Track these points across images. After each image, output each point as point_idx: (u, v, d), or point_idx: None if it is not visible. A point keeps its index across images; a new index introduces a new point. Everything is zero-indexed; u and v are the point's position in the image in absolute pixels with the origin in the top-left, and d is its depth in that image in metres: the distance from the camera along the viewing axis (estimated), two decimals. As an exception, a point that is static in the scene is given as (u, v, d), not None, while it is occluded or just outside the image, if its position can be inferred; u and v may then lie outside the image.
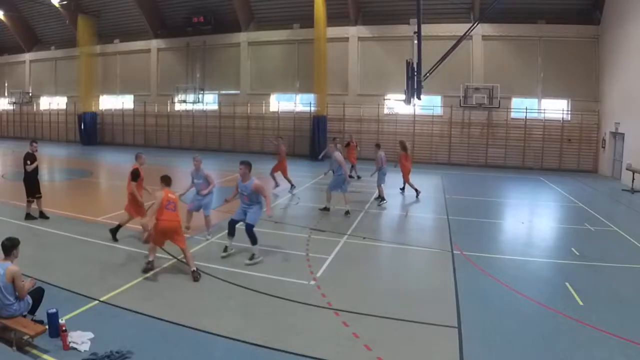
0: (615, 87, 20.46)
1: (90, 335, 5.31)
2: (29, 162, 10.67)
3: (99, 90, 32.99)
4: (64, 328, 5.18)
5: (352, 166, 18.09)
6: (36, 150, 10.95)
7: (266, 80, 28.38)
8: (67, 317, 5.66)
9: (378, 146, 15.04)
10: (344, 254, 8.89)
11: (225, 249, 8.59)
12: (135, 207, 9.39)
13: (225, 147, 28.95)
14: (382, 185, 13.95)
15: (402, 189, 15.69)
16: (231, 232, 8.54)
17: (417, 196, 14.83)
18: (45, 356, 4.98)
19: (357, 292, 7.07)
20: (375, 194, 14.47)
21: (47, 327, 5.29)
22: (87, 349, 5.07)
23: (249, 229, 8.22)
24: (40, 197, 11.03)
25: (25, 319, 5.35)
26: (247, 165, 8.36)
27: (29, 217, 10.75)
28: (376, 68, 25.55)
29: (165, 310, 6.12)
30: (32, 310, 5.58)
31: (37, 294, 5.66)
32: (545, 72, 23.22)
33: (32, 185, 10.82)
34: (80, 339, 5.18)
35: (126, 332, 5.49)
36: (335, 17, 25.16)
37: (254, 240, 8.23)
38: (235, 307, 6.40)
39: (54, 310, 5.37)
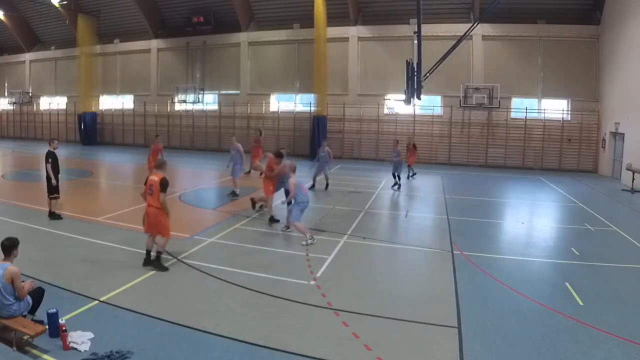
0: (615, 87, 20.46)
1: (90, 335, 5.31)
2: (50, 160, 10.72)
3: (99, 90, 33.02)
4: (64, 328, 5.18)
5: (409, 167, 18.75)
6: (56, 148, 11.04)
7: (266, 80, 28.39)
8: (67, 317, 5.66)
9: (397, 142, 17.23)
10: (344, 254, 8.89)
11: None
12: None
13: (225, 147, 28.84)
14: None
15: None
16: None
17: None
18: (45, 356, 4.98)
19: (357, 292, 7.06)
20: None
21: (47, 327, 5.29)
22: (87, 349, 5.07)
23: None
24: (57, 198, 11.02)
25: (25, 319, 5.35)
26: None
27: (54, 215, 10.79)
28: (376, 68, 25.56)
29: (165, 310, 6.12)
30: (32, 310, 5.58)
31: (37, 294, 5.66)
32: (545, 72, 23.22)
33: (52, 184, 10.80)
34: (80, 339, 5.18)
35: (126, 332, 5.49)
36: (335, 17, 25.17)
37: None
38: (235, 307, 6.40)
39: (54, 310, 5.37)
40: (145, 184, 7.84)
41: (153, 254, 7.81)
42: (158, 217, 7.64)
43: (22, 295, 5.35)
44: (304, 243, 9.24)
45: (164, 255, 7.92)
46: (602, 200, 15.70)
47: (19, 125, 37.44)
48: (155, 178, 7.66)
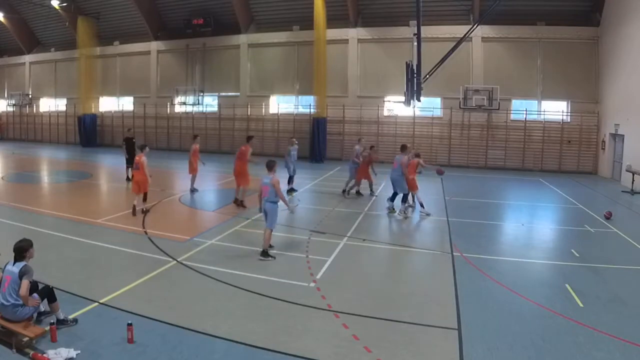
0: (615, 88, 20.48)
1: (73, 353, 5.04)
2: None
3: (99, 92, 33.03)
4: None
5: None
6: None
7: (266, 82, 28.41)
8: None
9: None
10: (343, 256, 8.88)
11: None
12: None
13: (225, 149, 28.94)
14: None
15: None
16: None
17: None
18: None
19: (357, 294, 7.06)
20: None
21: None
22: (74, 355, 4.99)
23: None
24: None
25: (27, 322, 5.34)
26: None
27: None
28: (376, 70, 25.57)
29: (165, 312, 6.11)
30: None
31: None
32: (545, 73, 23.24)
33: None
34: (58, 357, 4.92)
35: (126, 333, 5.47)
36: (335, 19, 25.20)
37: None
38: (235, 309, 6.40)
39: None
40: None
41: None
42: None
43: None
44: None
45: (162, 257, 7.88)
46: (602, 201, 15.68)
47: (18, 127, 37.46)
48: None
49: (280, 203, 8.67)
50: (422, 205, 12.71)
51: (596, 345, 5.50)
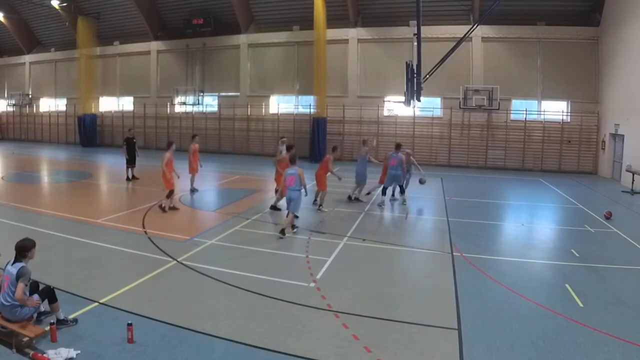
0: (615, 88, 20.48)
1: (73, 353, 5.05)
2: None
3: (99, 92, 33.04)
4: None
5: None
6: None
7: (266, 82, 28.42)
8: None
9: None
10: (344, 256, 8.89)
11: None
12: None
13: (225, 149, 28.96)
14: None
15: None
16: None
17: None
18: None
19: (357, 294, 7.06)
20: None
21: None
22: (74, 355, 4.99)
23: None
24: None
25: (27, 322, 5.34)
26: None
27: None
28: (376, 70, 25.58)
29: (165, 312, 6.12)
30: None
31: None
32: (545, 73, 23.24)
33: None
34: (58, 357, 4.93)
35: (125, 334, 5.47)
36: (335, 19, 25.21)
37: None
38: (235, 309, 6.40)
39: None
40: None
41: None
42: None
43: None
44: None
45: (162, 257, 7.88)
46: (602, 201, 15.68)
47: (18, 127, 37.48)
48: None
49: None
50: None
51: (596, 345, 5.50)
